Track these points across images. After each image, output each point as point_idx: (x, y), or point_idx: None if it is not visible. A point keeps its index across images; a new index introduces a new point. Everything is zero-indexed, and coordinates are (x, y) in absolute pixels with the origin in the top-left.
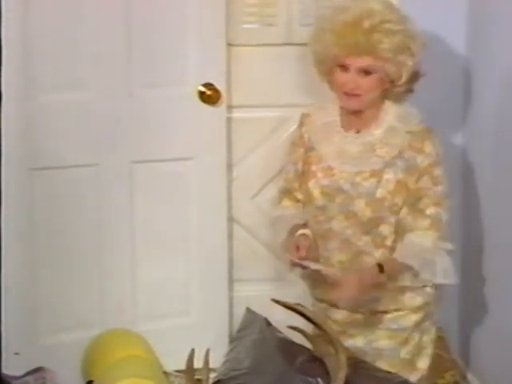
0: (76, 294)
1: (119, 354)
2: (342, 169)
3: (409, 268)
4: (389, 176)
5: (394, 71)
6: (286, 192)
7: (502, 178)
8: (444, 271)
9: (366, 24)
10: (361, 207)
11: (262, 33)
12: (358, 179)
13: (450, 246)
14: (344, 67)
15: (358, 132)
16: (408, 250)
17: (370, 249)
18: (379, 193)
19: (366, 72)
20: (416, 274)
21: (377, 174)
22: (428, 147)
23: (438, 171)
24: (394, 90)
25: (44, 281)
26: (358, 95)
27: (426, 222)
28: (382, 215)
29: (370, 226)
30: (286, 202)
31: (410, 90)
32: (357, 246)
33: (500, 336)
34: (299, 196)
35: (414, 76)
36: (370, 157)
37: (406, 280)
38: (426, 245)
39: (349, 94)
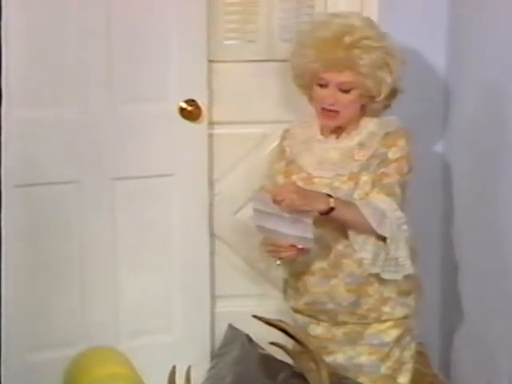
0: (58, 311)
1: (101, 372)
2: (322, 175)
3: (360, 214)
4: (366, 178)
5: (373, 87)
6: None
7: (480, 184)
8: (392, 226)
9: (347, 40)
10: None
11: (242, 49)
12: (336, 183)
13: (401, 214)
14: (323, 83)
15: (337, 138)
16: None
17: (350, 251)
18: (357, 194)
19: (345, 90)
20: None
21: (354, 176)
22: (401, 142)
23: (405, 167)
24: (372, 106)
25: (26, 298)
26: (336, 112)
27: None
28: None
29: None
30: None
31: (387, 106)
32: (337, 250)
33: (481, 351)
34: None
35: (393, 92)
36: (348, 162)
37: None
38: (380, 204)
39: (327, 110)
